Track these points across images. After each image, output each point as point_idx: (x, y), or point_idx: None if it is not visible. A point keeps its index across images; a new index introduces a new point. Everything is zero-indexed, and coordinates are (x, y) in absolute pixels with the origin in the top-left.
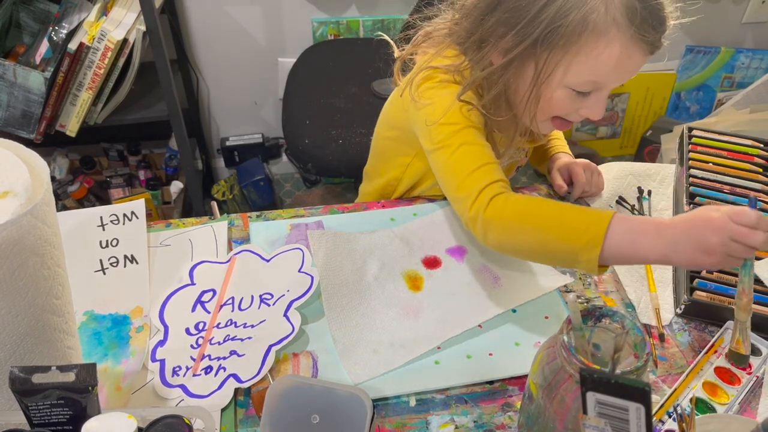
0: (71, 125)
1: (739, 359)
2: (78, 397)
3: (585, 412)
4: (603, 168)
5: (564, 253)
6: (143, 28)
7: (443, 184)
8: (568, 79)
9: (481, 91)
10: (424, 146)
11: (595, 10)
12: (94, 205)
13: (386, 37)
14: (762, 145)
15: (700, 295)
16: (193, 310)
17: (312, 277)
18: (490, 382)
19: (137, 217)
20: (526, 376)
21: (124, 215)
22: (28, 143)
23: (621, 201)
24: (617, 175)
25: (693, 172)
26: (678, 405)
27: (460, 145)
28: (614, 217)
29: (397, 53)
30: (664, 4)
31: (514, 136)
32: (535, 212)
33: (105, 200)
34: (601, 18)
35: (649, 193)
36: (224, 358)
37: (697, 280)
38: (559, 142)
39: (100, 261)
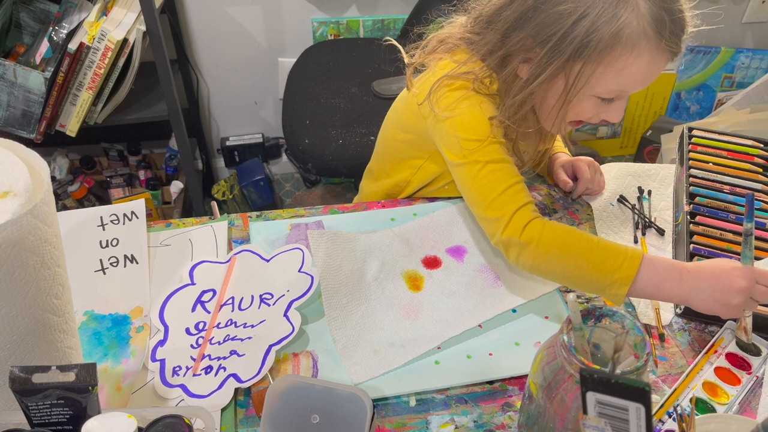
0: (71, 125)
1: (746, 347)
2: (78, 397)
3: (585, 412)
4: (603, 168)
5: (593, 285)
6: (143, 28)
7: (469, 201)
8: (597, 89)
9: (502, 99)
10: (447, 159)
11: (628, 25)
12: (94, 205)
13: (395, 43)
14: (762, 145)
15: None
16: (193, 310)
17: (312, 277)
18: (490, 382)
19: (137, 217)
20: (526, 376)
21: (124, 215)
22: (28, 143)
23: (622, 200)
24: (617, 175)
25: (693, 172)
26: (678, 405)
27: (486, 163)
28: (644, 261)
29: (407, 59)
30: (686, 13)
31: (538, 144)
32: (570, 244)
33: (105, 200)
34: (633, 31)
35: (649, 193)
36: (224, 358)
37: None
38: (557, 143)
39: (100, 261)
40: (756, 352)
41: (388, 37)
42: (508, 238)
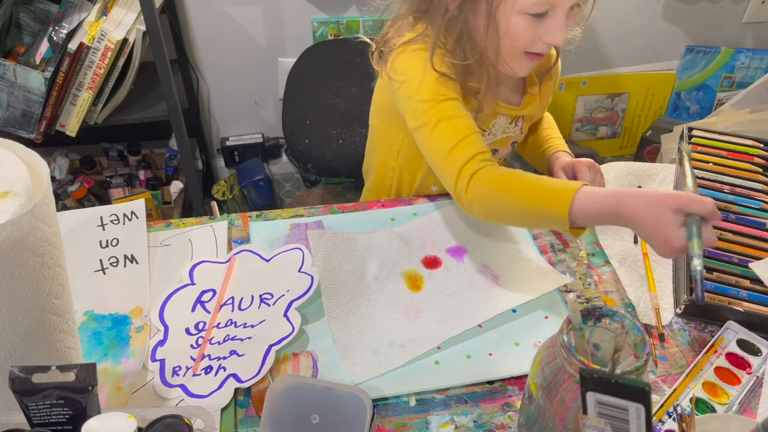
0: (71, 125)
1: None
2: (78, 397)
3: (585, 412)
4: (603, 168)
5: (545, 226)
6: (143, 28)
7: (430, 163)
8: (519, 3)
9: (444, 41)
10: (408, 126)
11: None
12: (94, 205)
13: (364, 38)
14: (762, 145)
15: None
16: (193, 310)
17: (312, 277)
18: (490, 382)
19: (137, 217)
20: (526, 376)
21: (124, 215)
22: (28, 143)
23: None
24: (617, 175)
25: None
26: (678, 405)
27: (438, 122)
28: (574, 202)
29: (374, 47)
30: None
31: (487, 80)
32: (511, 190)
33: (105, 200)
34: None
35: None
36: (224, 358)
37: None
38: (558, 141)
39: (100, 261)
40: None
41: (359, 35)
42: (459, 194)
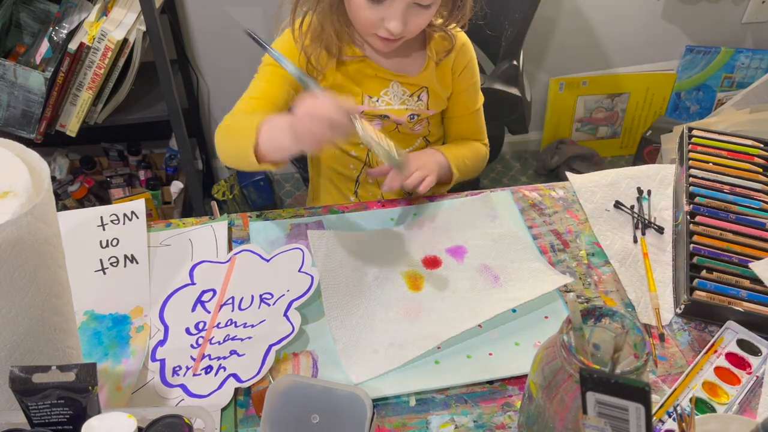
0: (71, 125)
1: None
2: (78, 397)
3: (585, 412)
4: (599, 175)
5: (249, 166)
6: (143, 28)
7: None
8: None
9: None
10: None
11: None
12: (94, 205)
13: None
14: (762, 145)
15: (700, 295)
16: (193, 309)
17: (312, 277)
18: (490, 382)
19: (137, 217)
20: (526, 376)
21: (125, 215)
22: (28, 143)
23: (618, 205)
24: (614, 181)
25: (693, 172)
26: (678, 405)
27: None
28: (259, 136)
29: None
30: None
31: (342, 38)
32: (223, 137)
33: (105, 200)
34: None
35: (649, 192)
36: (224, 357)
37: (697, 280)
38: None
39: (100, 261)
40: None
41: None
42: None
